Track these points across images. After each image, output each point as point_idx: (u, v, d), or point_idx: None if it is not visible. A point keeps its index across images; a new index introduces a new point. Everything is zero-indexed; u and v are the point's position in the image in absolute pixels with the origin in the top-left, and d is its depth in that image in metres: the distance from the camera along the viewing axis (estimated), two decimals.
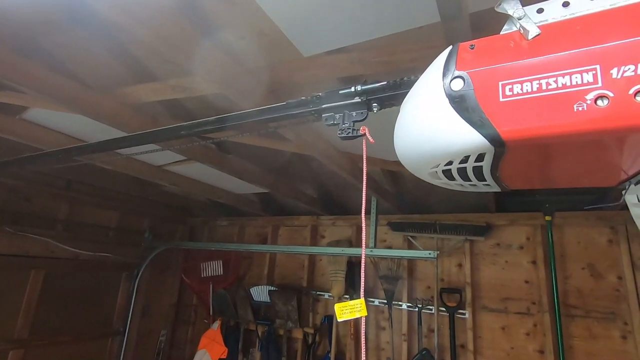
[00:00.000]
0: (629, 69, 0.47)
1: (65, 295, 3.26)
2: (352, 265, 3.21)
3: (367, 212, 3.02)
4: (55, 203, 3.26)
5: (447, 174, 0.71)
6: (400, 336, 2.91)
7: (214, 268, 3.93)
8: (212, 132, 1.19)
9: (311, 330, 3.22)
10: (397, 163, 2.36)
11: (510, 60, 0.55)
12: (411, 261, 3.05)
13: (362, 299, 0.85)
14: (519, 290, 2.65)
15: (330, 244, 3.42)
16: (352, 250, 2.87)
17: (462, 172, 0.70)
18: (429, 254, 2.43)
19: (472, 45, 0.62)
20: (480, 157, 0.61)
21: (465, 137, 0.56)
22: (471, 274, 2.78)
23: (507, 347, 2.59)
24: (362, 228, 3.32)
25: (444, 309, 2.78)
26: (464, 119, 0.56)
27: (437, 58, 0.64)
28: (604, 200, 2.54)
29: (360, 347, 3.00)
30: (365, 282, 2.73)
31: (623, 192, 0.66)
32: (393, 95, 0.80)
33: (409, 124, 0.66)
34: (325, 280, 3.41)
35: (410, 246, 3.07)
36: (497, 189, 0.75)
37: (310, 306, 3.39)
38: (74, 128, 2.02)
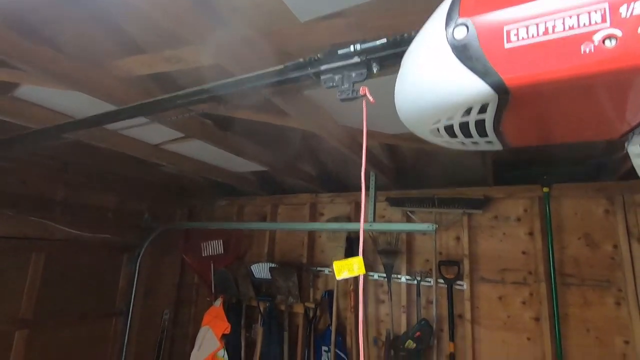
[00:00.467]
0: (638, 6, 0.45)
1: (67, 277, 3.28)
2: (351, 241, 3.24)
3: (367, 188, 3.03)
4: (52, 185, 3.24)
5: (449, 130, 0.70)
6: (400, 308, 2.97)
7: (214, 247, 3.97)
8: (209, 101, 1.17)
9: (312, 305, 3.28)
10: (396, 136, 2.34)
11: (515, 2, 0.53)
12: (410, 235, 3.09)
13: (360, 257, 0.85)
14: (516, 261, 2.69)
15: (329, 221, 3.44)
16: (350, 225, 2.89)
17: (464, 128, 0.69)
18: (428, 226, 2.45)
19: None
20: (483, 109, 0.60)
21: (469, 86, 0.55)
22: (469, 247, 2.82)
23: (504, 316, 2.66)
24: (360, 205, 3.34)
25: (442, 280, 2.83)
26: (467, 67, 0.55)
27: (439, 7, 0.62)
28: (601, 171, 2.56)
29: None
30: (364, 256, 2.75)
31: (626, 143, 0.65)
32: (393, 54, 0.78)
33: (410, 78, 0.64)
34: (325, 257, 3.45)
35: (409, 221, 3.09)
36: (498, 146, 0.75)
37: (310, 282, 3.44)
38: (65, 105, 1.97)
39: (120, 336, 3.65)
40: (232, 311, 3.60)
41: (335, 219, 3.39)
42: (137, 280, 3.79)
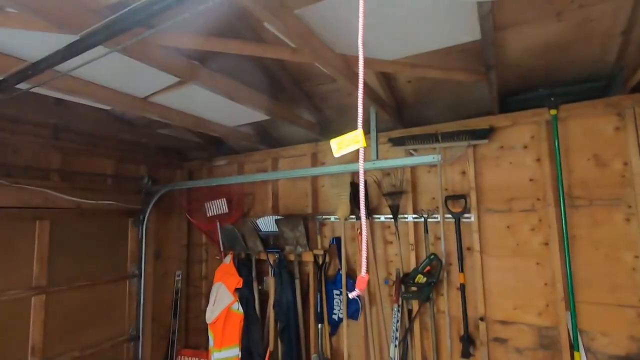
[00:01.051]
0: None
1: (75, 244, 3.29)
2: (356, 187, 3.20)
3: (367, 131, 2.94)
4: (46, 153, 3.17)
5: None
6: (408, 247, 2.98)
7: (218, 207, 3.96)
8: (178, 8, 1.05)
9: (321, 252, 3.31)
10: (394, 63, 2.22)
11: None
12: (414, 174, 3.04)
13: (360, 130, 0.79)
14: (524, 189, 2.65)
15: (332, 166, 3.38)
16: (353, 166, 2.83)
17: None
18: (432, 158, 2.39)
19: None
20: None
21: None
22: (475, 179, 2.77)
23: (513, 244, 2.66)
24: (361, 150, 3.27)
25: (449, 215, 2.81)
26: None
27: None
28: (611, 86, 2.45)
29: (369, 262, 3.09)
30: (369, 200, 2.71)
31: None
32: None
33: None
34: (329, 205, 3.43)
35: None
36: None
37: (317, 230, 3.44)
38: (27, 50, 1.82)
39: (135, 297, 3.72)
40: (242, 266, 3.64)
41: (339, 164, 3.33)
42: (145, 244, 3.81)
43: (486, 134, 2.70)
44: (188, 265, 4.27)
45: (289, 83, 2.89)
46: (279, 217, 3.51)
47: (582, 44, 2.21)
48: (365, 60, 2.13)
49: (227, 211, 3.91)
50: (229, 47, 1.83)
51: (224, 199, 3.93)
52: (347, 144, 0.80)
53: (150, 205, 3.81)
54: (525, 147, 2.68)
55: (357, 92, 2.25)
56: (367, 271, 0.83)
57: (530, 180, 2.64)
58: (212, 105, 2.74)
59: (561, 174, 2.45)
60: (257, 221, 3.63)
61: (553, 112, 2.49)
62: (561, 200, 2.44)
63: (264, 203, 3.80)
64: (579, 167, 2.49)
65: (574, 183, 2.50)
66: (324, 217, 3.44)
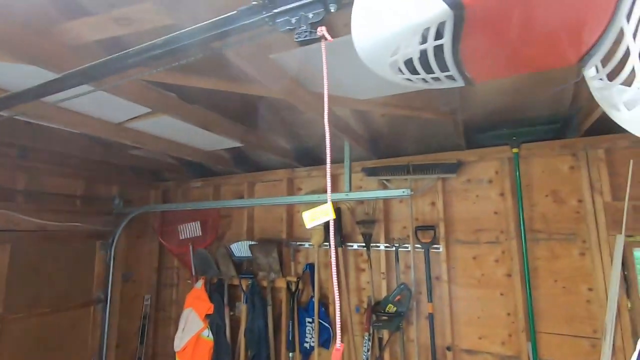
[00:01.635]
0: None
1: (38, 268, 3.16)
2: None
3: (340, 161, 3.02)
4: (11, 173, 3.06)
5: (409, 65, 0.68)
6: (379, 275, 3.04)
7: (192, 229, 3.90)
8: (163, 59, 1.09)
9: (294, 279, 3.31)
10: (368, 102, 2.32)
11: None
12: (386, 204, 3.12)
13: (329, 203, 0.84)
14: (489, 222, 2.78)
15: (307, 194, 3.43)
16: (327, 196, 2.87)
17: (424, 62, 0.67)
18: (403, 192, 2.47)
19: None
20: (439, 34, 0.58)
21: (423, 3, 0.53)
22: (444, 210, 2.88)
23: (479, 275, 2.76)
24: (337, 176, 3.32)
25: (419, 245, 2.89)
26: None
27: None
28: (567, 128, 2.63)
29: (342, 289, 3.12)
30: (343, 227, 2.77)
31: (583, 69, 0.65)
32: None
33: (365, 2, 0.61)
34: (304, 231, 3.45)
35: (385, 189, 3.12)
36: (460, 82, 0.73)
37: (291, 256, 3.45)
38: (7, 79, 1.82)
39: (100, 324, 3.58)
40: (214, 291, 3.58)
41: (313, 192, 3.38)
42: (113, 267, 3.69)
43: (455, 168, 2.83)
44: (158, 289, 4.15)
45: (268, 112, 2.94)
46: (253, 243, 3.50)
47: (541, 88, 2.39)
48: (340, 98, 2.24)
49: (200, 234, 3.87)
50: (204, 83, 1.87)
51: (198, 222, 3.88)
52: (318, 216, 0.85)
53: (121, 227, 3.71)
54: (491, 181, 2.82)
55: (331, 128, 2.30)
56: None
57: (495, 213, 2.77)
58: (187, 131, 2.75)
59: (522, 208, 2.59)
60: (231, 246, 3.60)
61: (515, 150, 2.65)
62: (523, 234, 2.57)
63: (240, 226, 3.78)
64: (539, 202, 2.64)
65: (535, 217, 2.64)
66: (298, 243, 3.46)
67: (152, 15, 1.30)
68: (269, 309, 3.33)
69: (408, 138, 3.13)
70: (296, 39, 0.79)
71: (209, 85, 1.88)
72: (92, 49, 1.58)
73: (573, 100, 2.49)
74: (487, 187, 2.82)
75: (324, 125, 2.65)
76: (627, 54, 0.50)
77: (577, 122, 2.55)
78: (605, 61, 0.59)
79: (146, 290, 4.10)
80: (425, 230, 2.92)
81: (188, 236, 3.91)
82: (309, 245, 3.38)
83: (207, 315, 3.46)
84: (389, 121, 2.97)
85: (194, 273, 3.74)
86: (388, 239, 3.07)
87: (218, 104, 2.47)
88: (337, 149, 3.09)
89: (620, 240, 2.31)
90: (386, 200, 3.11)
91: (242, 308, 3.45)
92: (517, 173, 2.62)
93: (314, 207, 3.13)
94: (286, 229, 3.52)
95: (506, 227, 2.71)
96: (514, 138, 2.65)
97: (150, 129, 2.68)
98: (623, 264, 2.30)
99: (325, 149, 3.37)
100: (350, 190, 2.82)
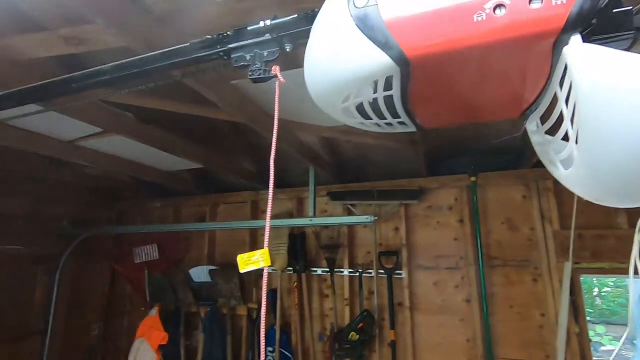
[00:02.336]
0: None
1: None
2: (294, 237, 3.19)
3: (306, 183, 3.01)
4: None
5: (361, 110, 0.68)
6: (343, 301, 2.99)
7: (148, 252, 3.69)
8: (112, 84, 1.03)
9: (255, 306, 3.18)
10: (332, 129, 2.33)
11: None
12: (351, 229, 3.12)
13: (265, 249, 0.80)
14: (449, 248, 2.84)
15: (271, 218, 3.36)
16: (291, 221, 2.85)
17: (375, 108, 0.67)
18: (366, 218, 2.48)
19: None
20: (388, 84, 0.58)
21: (371, 58, 0.53)
22: (407, 236, 2.92)
23: (439, 300, 2.79)
24: (302, 200, 3.30)
25: (382, 271, 2.90)
26: (368, 37, 0.52)
27: None
28: (520, 160, 2.78)
29: (305, 316, 3.04)
30: (308, 252, 2.72)
31: (524, 122, 0.68)
32: (305, 31, 0.74)
33: (316, 51, 0.60)
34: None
35: (350, 214, 3.12)
36: (412, 127, 0.74)
37: (253, 282, 3.33)
38: None
39: (37, 358, 3.23)
40: (169, 319, 3.37)
41: (277, 216, 3.32)
42: (57, 295, 3.39)
43: (417, 194, 2.90)
44: (108, 317, 3.85)
45: (232, 134, 2.88)
46: (213, 268, 3.36)
47: (495, 122, 2.52)
48: (305, 125, 2.23)
49: (157, 258, 3.66)
50: (164, 106, 1.81)
51: (155, 245, 3.68)
52: (253, 262, 0.81)
53: (68, 251, 3.44)
54: (450, 208, 2.90)
55: (295, 153, 2.28)
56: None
57: (455, 239, 2.84)
58: (146, 151, 2.63)
59: (480, 235, 2.67)
60: (190, 271, 3.43)
61: (473, 178, 2.75)
62: (480, 260, 2.64)
63: (200, 250, 3.62)
64: (495, 229, 2.74)
65: (491, 244, 2.73)
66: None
67: (103, 37, 1.25)
68: (228, 338, 3.17)
69: (374, 163, 3.18)
70: (250, 76, 0.77)
71: (167, 107, 1.81)
72: (44, 65, 1.48)
73: (524, 133, 2.65)
74: (447, 214, 2.90)
75: (288, 149, 2.63)
76: (562, 115, 0.52)
77: (528, 154, 2.71)
78: (544, 119, 0.62)
79: (95, 318, 3.79)
80: (388, 255, 2.93)
81: (143, 259, 3.68)
82: (272, 270, 3.28)
83: (161, 346, 3.23)
84: (355, 147, 3.00)
85: (148, 299, 3.51)
86: (352, 264, 3.05)
87: (180, 124, 2.39)
88: (303, 172, 3.08)
89: (568, 267, 2.43)
90: (351, 226, 3.11)
91: (200, 337, 3.26)
92: (475, 200, 2.72)
93: (278, 232, 3.06)
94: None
95: (465, 253, 2.78)
96: (472, 167, 2.76)
97: (105, 148, 2.54)
98: (571, 290, 2.41)
99: (291, 170, 3.36)
100: (314, 214, 2.80)
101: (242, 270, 0.81)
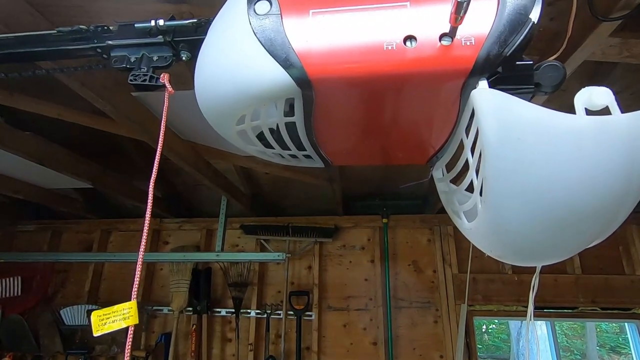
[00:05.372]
0: (436, 10, 0.42)
1: None
2: (198, 273, 2.87)
3: (216, 214, 2.78)
4: None
5: (261, 137, 0.58)
6: (247, 346, 2.73)
7: (8, 287, 2.97)
8: None
9: (142, 354, 2.71)
10: (250, 159, 2.21)
11: None
12: (263, 265, 2.93)
13: (133, 302, 0.63)
14: (359, 288, 2.82)
15: (174, 250, 3.00)
16: (195, 256, 2.56)
17: (278, 136, 0.58)
18: (278, 255, 2.35)
19: None
20: (291, 110, 0.50)
21: (268, 74, 0.44)
22: (319, 275, 2.83)
23: (348, 344, 2.71)
24: (212, 232, 3.03)
25: (292, 312, 2.73)
26: (267, 51, 0.44)
27: None
28: (426, 205, 2.97)
29: None
30: (213, 290, 2.44)
31: (431, 168, 0.66)
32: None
33: (207, 57, 0.50)
34: (166, 293, 2.96)
35: (263, 249, 2.95)
36: (319, 163, 0.67)
37: (144, 324, 2.87)
38: None
39: None
40: None
41: (182, 248, 2.98)
42: None
43: (331, 233, 2.87)
44: None
45: (135, 153, 2.56)
46: (94, 307, 2.81)
47: (406, 167, 2.67)
48: (223, 153, 2.07)
49: (19, 294, 2.96)
50: (42, 110, 1.50)
51: (19, 277, 2.98)
52: (113, 319, 0.61)
53: None
54: (363, 248, 2.93)
55: (207, 181, 2.07)
56: None
57: (366, 280, 2.85)
58: (21, 163, 2.16)
59: (389, 276, 2.72)
60: (61, 311, 2.82)
61: (385, 220, 2.84)
62: (388, 301, 2.66)
63: (80, 285, 3.03)
64: (402, 271, 2.82)
65: (399, 285, 2.79)
66: (155, 307, 2.92)
67: None
68: None
69: (291, 197, 3.10)
70: (130, 80, 0.63)
71: (47, 112, 1.51)
72: None
73: (431, 179, 2.86)
74: (360, 254, 2.91)
75: (199, 177, 2.40)
76: (467, 164, 0.50)
77: (433, 200, 2.91)
78: (449, 167, 0.60)
79: None
80: (299, 295, 2.79)
81: (1, 296, 2.95)
82: (169, 310, 2.88)
83: None
84: (273, 180, 2.90)
85: None
86: (260, 305, 2.83)
87: (70, 135, 2.04)
88: (217, 201, 2.86)
89: (463, 309, 2.57)
90: (262, 262, 2.92)
91: None
92: (386, 242, 2.79)
93: (180, 266, 2.72)
94: (142, 290, 2.96)
95: (374, 294, 2.78)
96: (384, 209, 2.86)
97: None
98: (466, 331, 2.54)
99: (201, 199, 3.06)
100: (222, 249, 2.56)
101: (96, 334, 0.61)
